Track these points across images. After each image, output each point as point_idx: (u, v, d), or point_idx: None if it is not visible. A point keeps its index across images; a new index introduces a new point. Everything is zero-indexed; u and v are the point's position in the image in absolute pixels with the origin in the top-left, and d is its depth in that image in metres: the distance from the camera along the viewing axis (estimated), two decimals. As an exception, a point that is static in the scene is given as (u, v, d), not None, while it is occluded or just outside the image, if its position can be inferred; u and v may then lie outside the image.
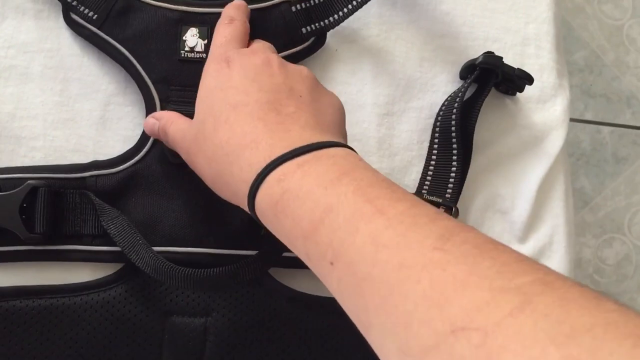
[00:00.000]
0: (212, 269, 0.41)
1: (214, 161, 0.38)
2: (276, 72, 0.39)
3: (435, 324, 0.25)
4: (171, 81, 0.46)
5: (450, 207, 0.46)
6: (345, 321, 0.45)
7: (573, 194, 1.17)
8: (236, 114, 0.37)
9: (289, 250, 0.45)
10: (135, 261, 0.42)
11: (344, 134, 0.40)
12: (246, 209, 0.37)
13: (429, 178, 0.49)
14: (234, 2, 0.47)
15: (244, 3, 0.47)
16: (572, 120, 1.21)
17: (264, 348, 0.45)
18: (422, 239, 0.28)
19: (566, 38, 1.22)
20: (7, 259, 0.45)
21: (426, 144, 0.50)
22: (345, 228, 0.30)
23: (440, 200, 0.47)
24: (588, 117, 1.20)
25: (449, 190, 0.47)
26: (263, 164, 0.34)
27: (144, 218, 0.45)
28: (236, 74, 0.39)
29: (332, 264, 0.30)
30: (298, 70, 0.41)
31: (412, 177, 0.50)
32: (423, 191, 0.48)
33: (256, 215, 0.36)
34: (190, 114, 0.45)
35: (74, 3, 0.48)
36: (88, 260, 0.45)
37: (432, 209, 0.31)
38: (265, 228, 0.45)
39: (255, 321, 0.45)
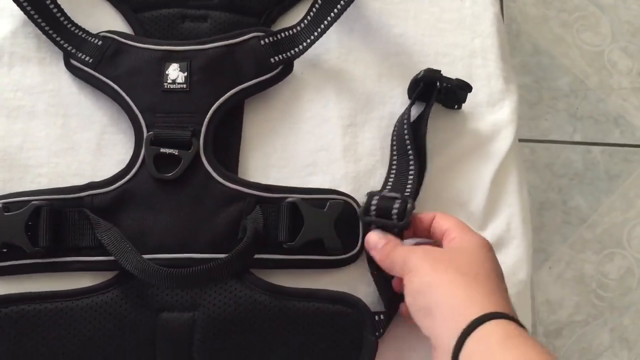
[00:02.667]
0: (190, 268, 0.46)
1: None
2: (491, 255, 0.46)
3: None
4: (156, 109, 0.53)
5: (406, 200, 0.51)
6: (324, 305, 0.49)
7: (569, 212, 1.21)
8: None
9: (261, 252, 0.50)
10: (125, 266, 0.48)
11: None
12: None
13: (391, 178, 0.54)
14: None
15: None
16: (562, 142, 1.26)
17: (247, 336, 0.49)
18: None
19: (549, 66, 1.27)
20: (15, 272, 0.50)
21: (387, 150, 0.56)
22: None
23: (399, 195, 0.51)
24: (577, 138, 1.24)
25: (408, 187, 0.52)
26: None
27: (135, 230, 0.51)
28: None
29: None
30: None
31: (376, 179, 0.55)
32: (386, 189, 0.53)
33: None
34: (173, 137, 0.52)
35: (73, 50, 0.56)
36: (87, 269, 0.51)
37: None
38: (242, 232, 0.51)
39: (238, 312, 0.49)
